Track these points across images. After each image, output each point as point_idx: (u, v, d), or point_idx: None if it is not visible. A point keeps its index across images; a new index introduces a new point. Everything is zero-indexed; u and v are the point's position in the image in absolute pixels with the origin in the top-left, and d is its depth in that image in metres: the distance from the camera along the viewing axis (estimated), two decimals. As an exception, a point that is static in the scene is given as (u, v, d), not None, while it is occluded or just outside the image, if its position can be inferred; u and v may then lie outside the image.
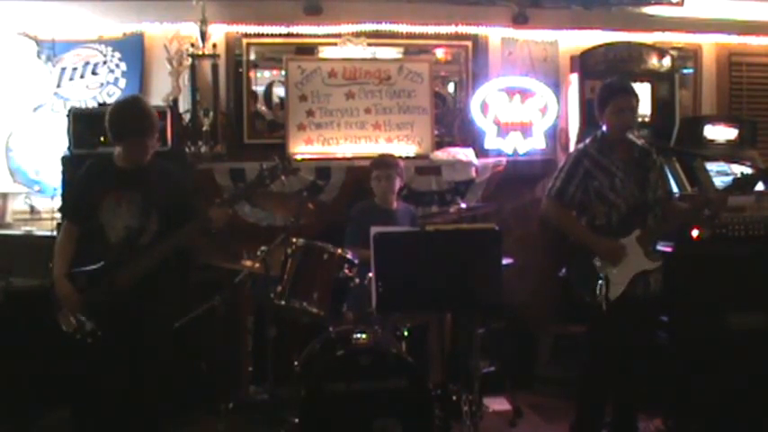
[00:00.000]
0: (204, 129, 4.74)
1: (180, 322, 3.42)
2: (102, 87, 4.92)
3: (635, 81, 4.33)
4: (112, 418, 3.15)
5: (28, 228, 4.75)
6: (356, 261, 3.75)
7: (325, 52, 5.19)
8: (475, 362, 4.03)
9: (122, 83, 4.93)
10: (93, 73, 4.92)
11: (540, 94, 5.19)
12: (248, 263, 3.84)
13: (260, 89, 5.22)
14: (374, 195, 4.39)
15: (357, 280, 3.74)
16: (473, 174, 4.90)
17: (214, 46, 4.85)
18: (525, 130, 5.17)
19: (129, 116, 3.19)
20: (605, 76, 4.87)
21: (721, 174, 4.43)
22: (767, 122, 5.67)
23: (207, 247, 3.68)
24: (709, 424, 3.94)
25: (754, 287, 4.01)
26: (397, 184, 4.33)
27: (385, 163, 4.35)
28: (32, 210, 4.84)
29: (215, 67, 4.86)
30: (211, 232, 3.26)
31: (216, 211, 3.14)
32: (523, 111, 5.16)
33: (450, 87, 5.53)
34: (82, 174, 3.32)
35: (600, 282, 3.28)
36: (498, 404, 4.36)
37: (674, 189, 4.30)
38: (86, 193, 3.25)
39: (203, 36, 4.79)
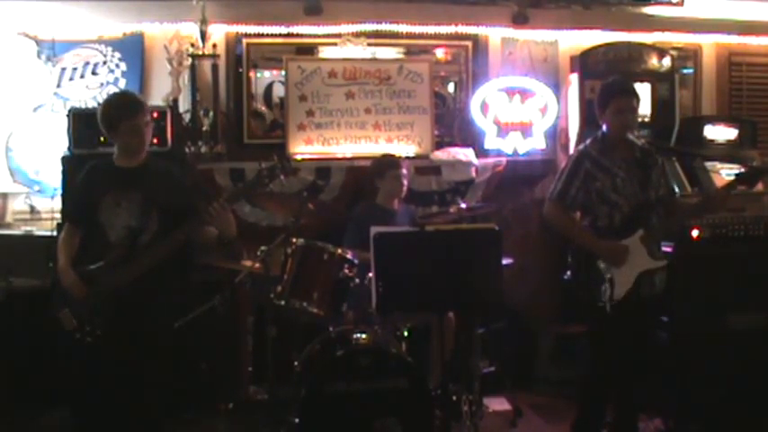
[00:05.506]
0: (204, 129, 4.74)
1: (180, 322, 3.42)
2: (102, 87, 4.92)
3: (635, 81, 4.32)
4: (112, 419, 3.15)
5: (28, 228, 4.75)
6: (356, 261, 3.75)
7: (325, 52, 5.19)
8: (475, 362, 4.04)
9: (122, 83, 4.93)
10: (93, 73, 4.92)
11: (540, 94, 5.19)
12: (248, 263, 3.84)
13: (260, 89, 5.23)
14: (375, 196, 4.39)
15: (357, 280, 3.74)
16: (473, 174, 4.90)
17: (214, 46, 4.85)
18: (525, 130, 5.17)
19: (113, 103, 3.23)
20: (605, 76, 4.85)
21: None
22: (767, 122, 5.67)
23: (211, 250, 3.67)
24: (709, 424, 3.95)
25: (754, 287, 4.01)
26: (406, 183, 4.35)
27: (399, 162, 4.37)
28: (32, 210, 4.84)
29: (215, 67, 4.86)
30: (225, 243, 3.27)
31: (214, 208, 3.13)
32: (523, 111, 5.16)
33: (450, 87, 5.53)
34: (82, 176, 3.32)
35: (605, 284, 3.28)
36: (498, 404, 4.37)
37: (675, 189, 4.30)
38: (86, 195, 3.25)
39: (203, 36, 4.79)
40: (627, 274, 3.34)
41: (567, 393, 4.15)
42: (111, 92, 4.80)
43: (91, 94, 4.90)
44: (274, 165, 3.21)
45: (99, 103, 3.43)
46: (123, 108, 3.19)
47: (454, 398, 3.86)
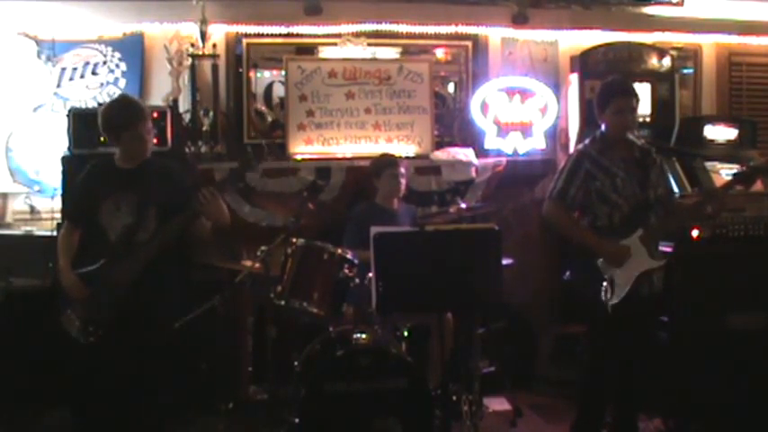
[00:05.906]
0: (204, 129, 4.74)
1: (180, 322, 3.42)
2: (102, 87, 4.92)
3: (635, 81, 4.32)
4: (113, 419, 3.15)
5: (28, 228, 4.75)
6: (356, 261, 3.75)
7: (325, 52, 5.19)
8: (475, 362, 4.04)
9: (122, 83, 4.94)
10: (93, 73, 4.92)
11: (540, 94, 5.19)
12: (248, 263, 3.84)
13: (260, 89, 5.22)
14: (375, 195, 4.39)
15: (357, 280, 3.74)
16: (473, 174, 4.89)
17: (214, 46, 4.85)
18: (525, 130, 5.17)
19: (115, 111, 3.24)
20: (605, 76, 4.84)
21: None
22: (767, 122, 5.67)
23: (208, 248, 3.67)
24: (709, 424, 3.95)
25: (754, 287, 4.01)
26: (404, 182, 4.34)
27: (396, 162, 4.36)
28: (32, 210, 4.84)
29: (215, 67, 4.86)
30: (221, 233, 3.27)
31: (203, 195, 3.11)
32: (523, 111, 5.16)
33: (450, 87, 5.53)
34: (83, 176, 3.33)
35: (604, 284, 3.27)
36: (498, 404, 4.37)
37: (675, 189, 4.30)
38: (87, 196, 3.26)
39: (203, 36, 4.79)
40: (627, 274, 3.34)
41: (567, 393, 4.14)
42: (112, 96, 4.81)
43: (91, 94, 4.90)
44: (260, 144, 3.23)
45: (100, 108, 3.39)
46: (125, 118, 3.20)
47: (454, 398, 3.86)
